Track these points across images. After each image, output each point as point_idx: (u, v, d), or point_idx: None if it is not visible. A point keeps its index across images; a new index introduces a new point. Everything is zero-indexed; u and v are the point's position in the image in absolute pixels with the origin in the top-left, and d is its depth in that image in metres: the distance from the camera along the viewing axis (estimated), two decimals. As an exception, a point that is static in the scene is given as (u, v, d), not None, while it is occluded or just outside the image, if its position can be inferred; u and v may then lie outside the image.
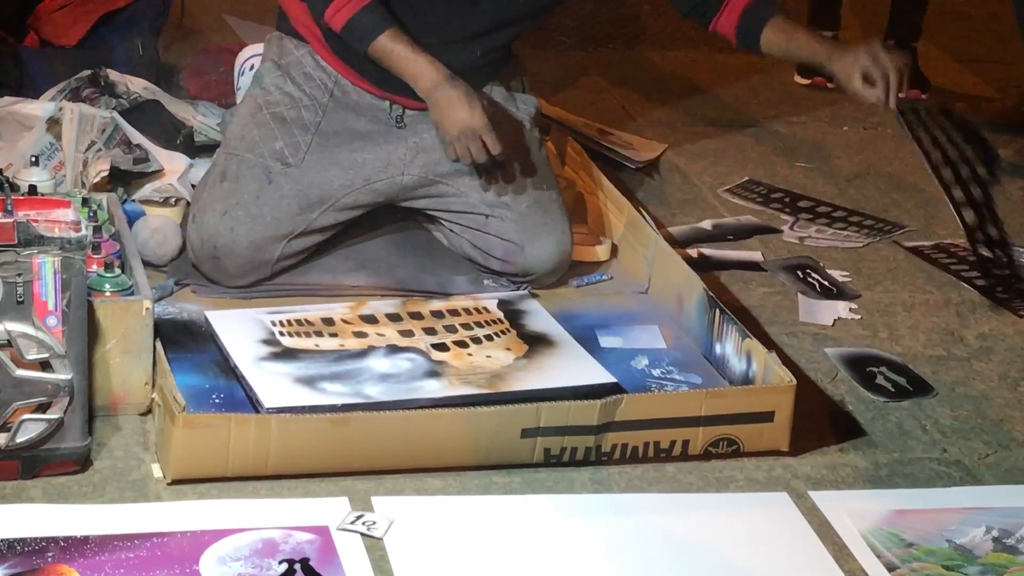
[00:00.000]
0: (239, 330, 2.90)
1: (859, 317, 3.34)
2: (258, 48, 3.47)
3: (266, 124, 3.12)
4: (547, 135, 3.81)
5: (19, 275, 2.44)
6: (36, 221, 2.71)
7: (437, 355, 2.88)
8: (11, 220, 2.61)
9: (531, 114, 3.28)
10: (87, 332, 2.52)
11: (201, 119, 3.54)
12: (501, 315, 3.06)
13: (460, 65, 3.05)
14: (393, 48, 2.99)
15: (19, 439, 2.46)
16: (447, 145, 3.04)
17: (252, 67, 3.52)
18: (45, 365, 2.47)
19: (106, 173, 3.18)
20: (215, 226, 3.04)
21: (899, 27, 4.80)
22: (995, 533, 2.62)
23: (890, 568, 2.51)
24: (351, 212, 3.16)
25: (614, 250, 3.44)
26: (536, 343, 2.97)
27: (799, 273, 3.52)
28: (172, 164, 3.31)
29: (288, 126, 3.12)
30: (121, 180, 3.23)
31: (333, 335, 2.92)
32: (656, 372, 2.97)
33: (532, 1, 3.12)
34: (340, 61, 3.14)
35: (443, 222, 3.26)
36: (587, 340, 3.03)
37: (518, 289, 3.21)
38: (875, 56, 3.05)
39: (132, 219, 3.12)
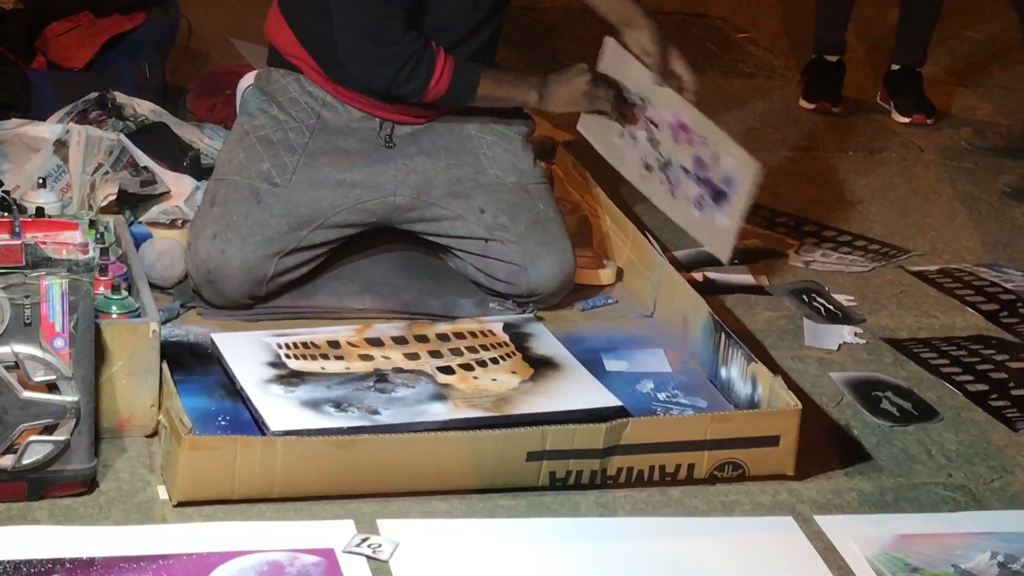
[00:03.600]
0: (245, 352, 2.90)
1: (864, 342, 3.35)
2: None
3: (252, 147, 3.13)
4: (552, 159, 3.83)
5: (27, 297, 2.45)
6: (44, 243, 2.71)
7: (443, 378, 2.88)
8: (19, 242, 2.61)
9: (523, 133, 3.29)
10: (94, 354, 2.52)
11: (208, 141, 3.55)
12: (507, 338, 3.06)
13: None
14: (492, 90, 3.13)
15: (25, 461, 2.46)
16: (587, 105, 3.23)
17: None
18: (52, 387, 2.47)
19: (114, 197, 3.18)
20: (207, 250, 3.05)
21: (905, 52, 4.81)
22: (1001, 558, 2.61)
23: (896, 593, 2.51)
24: (343, 231, 3.17)
25: (619, 274, 3.45)
26: (542, 366, 2.97)
27: (804, 297, 3.52)
28: (179, 186, 3.31)
29: (275, 147, 3.13)
30: (128, 202, 3.24)
31: (339, 358, 2.93)
32: (661, 396, 2.98)
33: None
34: (333, 83, 3.15)
35: (446, 248, 3.27)
36: (592, 364, 3.03)
37: (524, 312, 3.21)
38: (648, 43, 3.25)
39: (139, 241, 3.13)
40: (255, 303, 3.11)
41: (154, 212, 3.26)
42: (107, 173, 3.31)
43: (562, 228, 3.25)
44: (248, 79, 3.39)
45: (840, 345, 3.32)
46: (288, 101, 3.18)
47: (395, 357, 2.95)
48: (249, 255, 3.05)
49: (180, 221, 3.24)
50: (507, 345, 3.04)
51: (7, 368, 2.44)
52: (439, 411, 2.78)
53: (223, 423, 2.72)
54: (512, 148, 3.24)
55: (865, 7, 5.04)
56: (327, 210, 3.12)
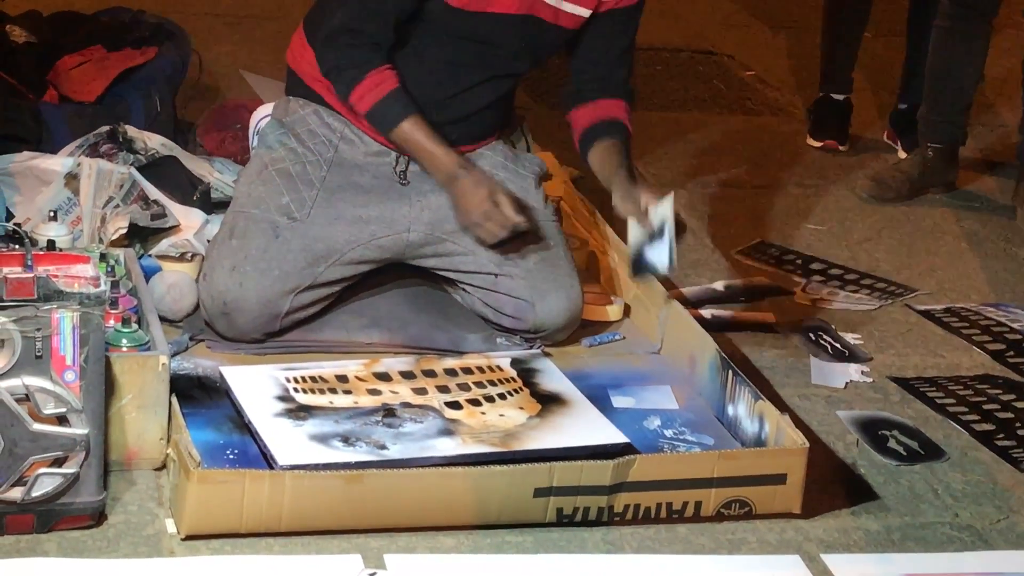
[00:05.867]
0: (254, 386, 2.91)
1: (871, 380, 3.35)
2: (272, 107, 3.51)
3: (271, 180, 3.15)
4: (560, 196, 3.84)
5: (38, 330, 2.46)
6: (56, 276, 2.73)
7: (450, 413, 2.89)
8: (31, 275, 2.63)
9: (536, 173, 3.31)
10: (104, 387, 2.53)
11: (217, 175, 3.56)
12: (514, 374, 3.07)
13: (471, 109, 3.16)
14: (413, 136, 3.07)
15: (35, 493, 2.47)
16: (473, 230, 3.09)
17: (267, 125, 3.55)
18: (62, 419, 2.48)
19: (124, 230, 3.20)
20: (224, 282, 3.06)
21: (911, 91, 4.82)
22: (1007, 598, 2.62)
23: (902, 632, 2.52)
24: (358, 267, 3.18)
25: (627, 310, 3.46)
26: (549, 402, 2.98)
27: (811, 335, 3.53)
28: (189, 220, 3.33)
29: (293, 181, 3.15)
30: (138, 236, 3.25)
31: (347, 392, 2.93)
32: (668, 433, 2.98)
33: (548, 43, 3.19)
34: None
35: (454, 282, 3.28)
36: (599, 400, 3.03)
37: (531, 347, 3.22)
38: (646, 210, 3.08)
39: (148, 274, 3.14)
40: (266, 339, 3.12)
41: (164, 245, 3.28)
42: (117, 206, 3.32)
43: (571, 265, 3.26)
44: (263, 111, 3.41)
45: (847, 384, 3.32)
46: (307, 133, 3.19)
47: (403, 392, 2.95)
48: (266, 290, 3.06)
49: (190, 254, 3.26)
50: (514, 381, 3.04)
51: (18, 400, 2.45)
52: (447, 446, 2.78)
53: (231, 457, 2.73)
54: (524, 186, 3.26)
55: (873, 46, 5.07)
56: (343, 246, 3.13)
